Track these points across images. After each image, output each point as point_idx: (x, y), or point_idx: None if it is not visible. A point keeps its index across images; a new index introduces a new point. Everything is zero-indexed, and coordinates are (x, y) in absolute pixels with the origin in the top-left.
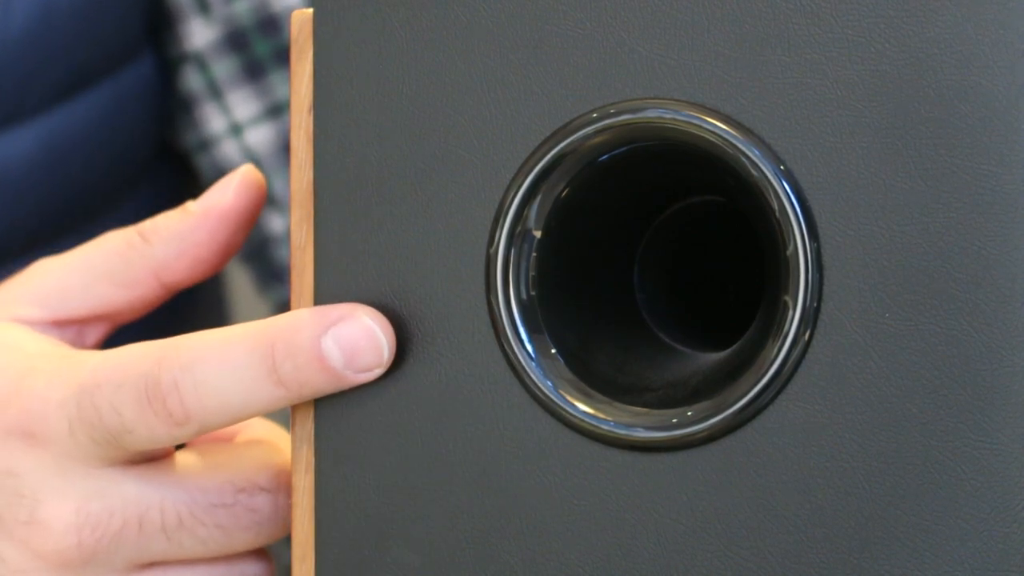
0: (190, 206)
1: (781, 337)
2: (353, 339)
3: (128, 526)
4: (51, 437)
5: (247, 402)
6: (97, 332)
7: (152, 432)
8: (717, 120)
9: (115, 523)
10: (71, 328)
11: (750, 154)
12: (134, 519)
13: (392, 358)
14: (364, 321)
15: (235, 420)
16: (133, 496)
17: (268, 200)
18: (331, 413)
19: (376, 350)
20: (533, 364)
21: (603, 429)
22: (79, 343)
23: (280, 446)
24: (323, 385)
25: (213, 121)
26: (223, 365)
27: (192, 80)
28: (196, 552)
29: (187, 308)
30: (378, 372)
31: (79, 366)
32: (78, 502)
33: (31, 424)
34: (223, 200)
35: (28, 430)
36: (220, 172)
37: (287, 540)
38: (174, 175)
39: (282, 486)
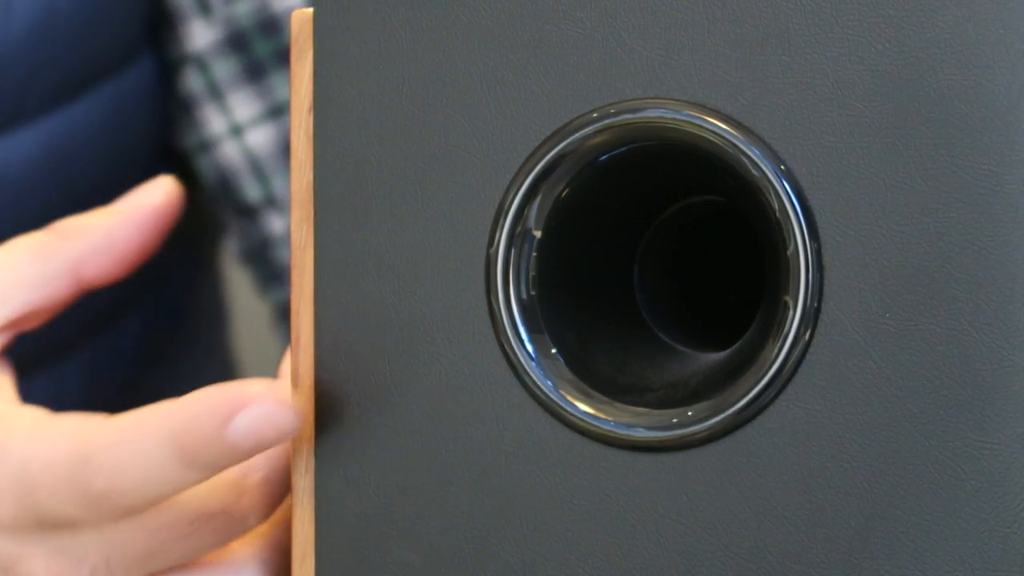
0: (112, 207)
1: (781, 337)
2: (257, 424)
3: (97, 570)
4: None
5: (164, 487)
6: (5, 338)
7: (86, 518)
8: (717, 120)
9: (84, 570)
10: None
11: (750, 154)
12: (101, 564)
13: (300, 422)
14: (264, 406)
15: (156, 502)
16: (94, 544)
17: (268, 201)
18: (331, 413)
19: (281, 427)
20: (533, 364)
21: (603, 429)
22: None
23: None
24: (232, 464)
25: (213, 122)
26: (136, 457)
27: (192, 81)
28: (176, 562)
29: (187, 309)
30: (288, 438)
31: (8, 439)
32: (46, 560)
33: None
34: (145, 200)
35: None
36: (220, 173)
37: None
38: (174, 176)
39: (242, 499)
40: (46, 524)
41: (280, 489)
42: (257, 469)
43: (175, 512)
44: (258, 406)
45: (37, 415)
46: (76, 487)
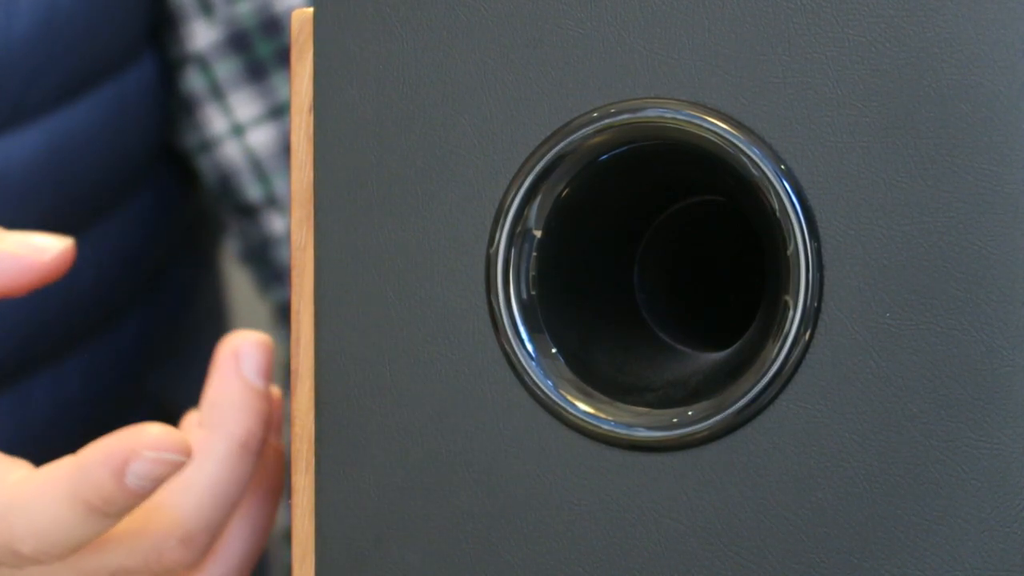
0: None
1: (781, 337)
2: (148, 471)
3: None
4: None
5: (78, 535)
6: None
7: (7, 561)
8: (717, 119)
9: None
10: None
11: (750, 153)
12: None
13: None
14: (151, 456)
15: (72, 550)
16: None
17: (269, 201)
18: (331, 413)
19: (173, 465)
20: (533, 364)
21: (603, 429)
22: None
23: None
24: (138, 504)
25: (215, 122)
26: (47, 510)
27: (194, 81)
28: None
29: (187, 309)
30: (178, 470)
31: None
32: None
33: None
34: (34, 245)
35: None
36: (221, 173)
37: (287, 539)
38: (175, 176)
39: (163, 556)
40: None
41: (206, 540)
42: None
43: (97, 562)
44: (152, 451)
45: None
46: (3, 535)
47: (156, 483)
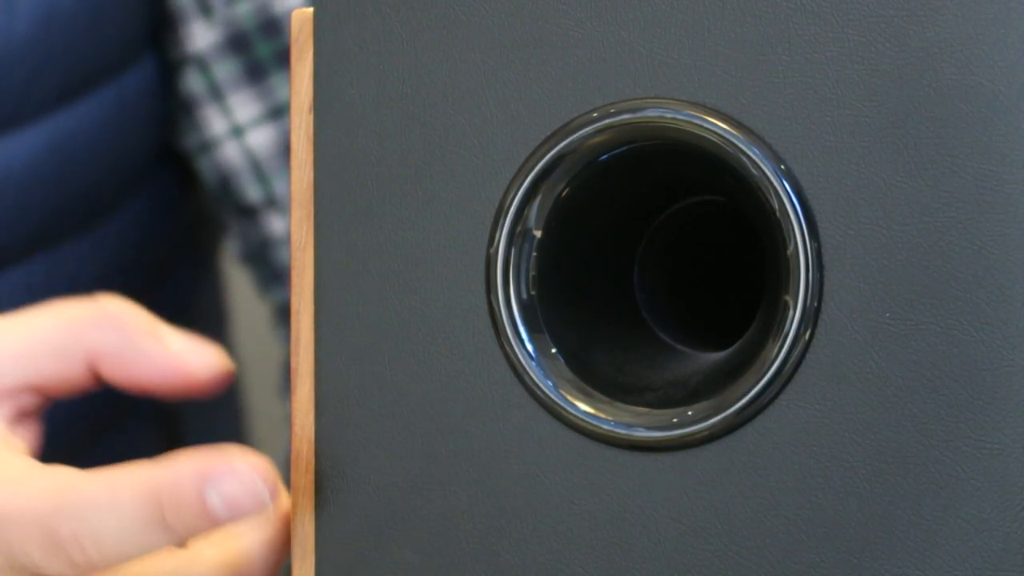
0: (174, 331)
1: (781, 337)
2: (234, 493)
3: None
4: None
5: (140, 547)
6: (33, 402)
7: (59, 571)
8: (717, 120)
9: None
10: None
11: (750, 154)
12: None
13: (275, 499)
14: (243, 474)
15: (130, 559)
16: None
17: (268, 201)
18: (331, 412)
19: (256, 499)
20: (533, 364)
21: (603, 429)
22: (14, 414)
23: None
24: (207, 530)
25: (214, 123)
26: (114, 515)
27: (193, 82)
28: None
29: (187, 309)
30: (261, 514)
31: None
32: None
33: None
34: (195, 359)
35: None
36: (221, 173)
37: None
38: (175, 177)
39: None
40: (16, 569)
41: None
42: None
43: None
44: (234, 476)
45: (25, 464)
46: (48, 539)
47: (231, 511)
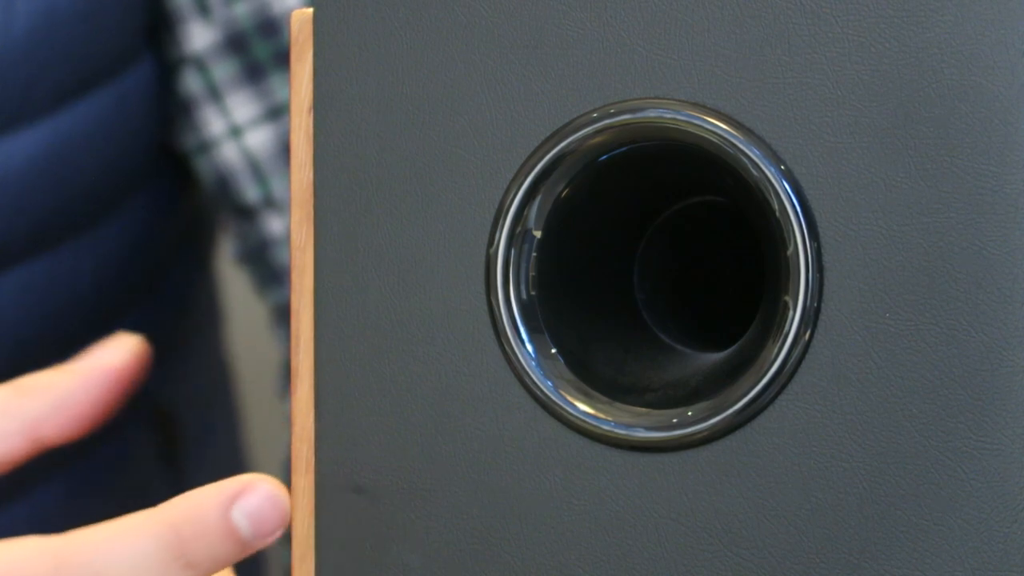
0: (72, 365)
1: (781, 337)
2: (259, 508)
3: None
4: None
5: None
6: None
7: None
8: (717, 120)
9: None
10: None
11: (750, 154)
12: None
13: (289, 519)
14: (266, 489)
15: None
16: None
17: (267, 202)
18: (331, 412)
19: (280, 514)
20: (533, 364)
21: (603, 429)
22: None
23: None
24: (231, 558)
25: (213, 123)
26: (129, 559)
27: (191, 82)
28: None
29: (187, 309)
30: (279, 535)
31: None
32: None
33: None
34: (106, 360)
35: None
36: (219, 174)
37: (287, 540)
38: (173, 178)
39: None
40: None
41: None
42: None
43: None
44: (257, 492)
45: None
46: None
47: (255, 528)
